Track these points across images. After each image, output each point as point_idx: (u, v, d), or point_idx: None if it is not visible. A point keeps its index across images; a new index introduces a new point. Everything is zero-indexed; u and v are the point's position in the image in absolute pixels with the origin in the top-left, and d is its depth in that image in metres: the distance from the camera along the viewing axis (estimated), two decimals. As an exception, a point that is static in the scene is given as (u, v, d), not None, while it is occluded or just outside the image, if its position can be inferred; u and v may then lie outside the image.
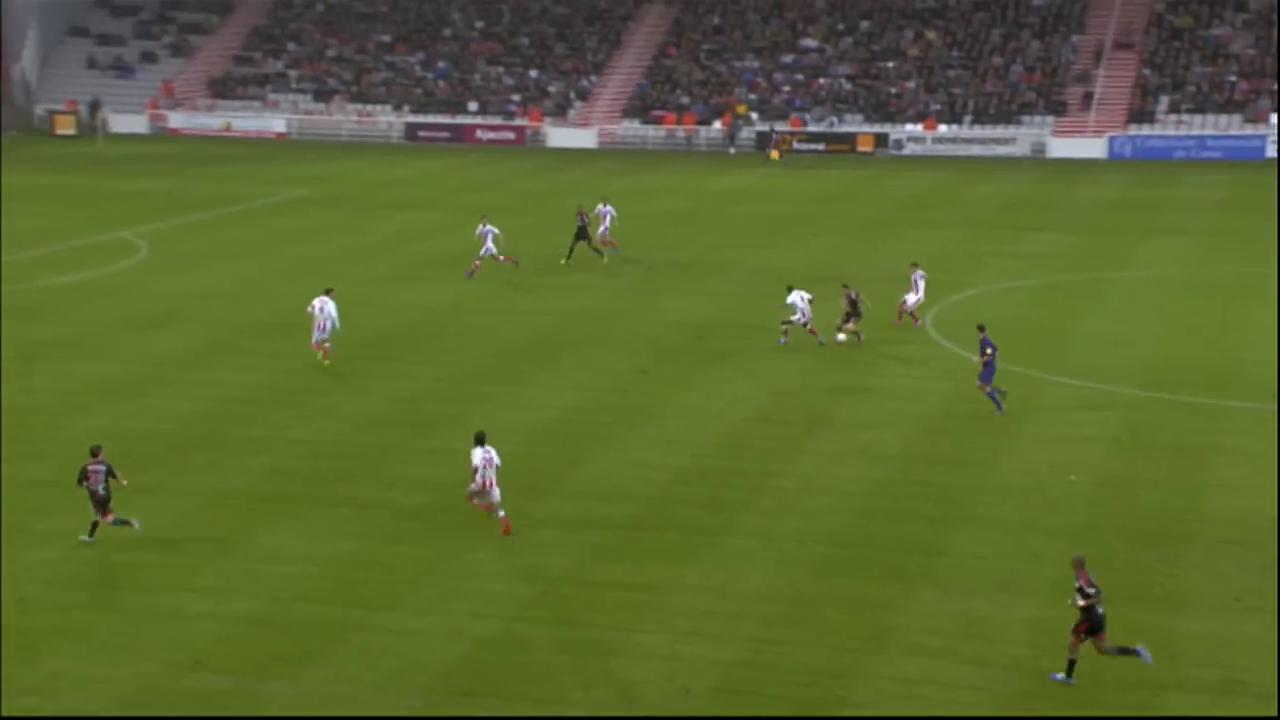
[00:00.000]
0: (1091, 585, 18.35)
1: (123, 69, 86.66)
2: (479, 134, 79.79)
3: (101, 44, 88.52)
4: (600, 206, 45.84)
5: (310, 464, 26.49)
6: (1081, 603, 18.35)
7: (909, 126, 75.54)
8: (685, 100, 80.00)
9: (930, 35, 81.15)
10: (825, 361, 33.26)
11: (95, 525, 22.58)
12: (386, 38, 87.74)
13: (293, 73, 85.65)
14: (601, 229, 45.19)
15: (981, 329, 29.88)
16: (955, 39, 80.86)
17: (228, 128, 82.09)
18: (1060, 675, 18.48)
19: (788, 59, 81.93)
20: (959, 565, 22.03)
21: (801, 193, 61.13)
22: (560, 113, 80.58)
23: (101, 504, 22.48)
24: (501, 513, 23.09)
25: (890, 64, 79.90)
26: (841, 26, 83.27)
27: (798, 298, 34.09)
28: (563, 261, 43.91)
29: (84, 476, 22.61)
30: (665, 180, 65.25)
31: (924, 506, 24.45)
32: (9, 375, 31.98)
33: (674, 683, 18.63)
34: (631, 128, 78.94)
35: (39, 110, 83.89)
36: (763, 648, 19.57)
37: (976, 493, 25.12)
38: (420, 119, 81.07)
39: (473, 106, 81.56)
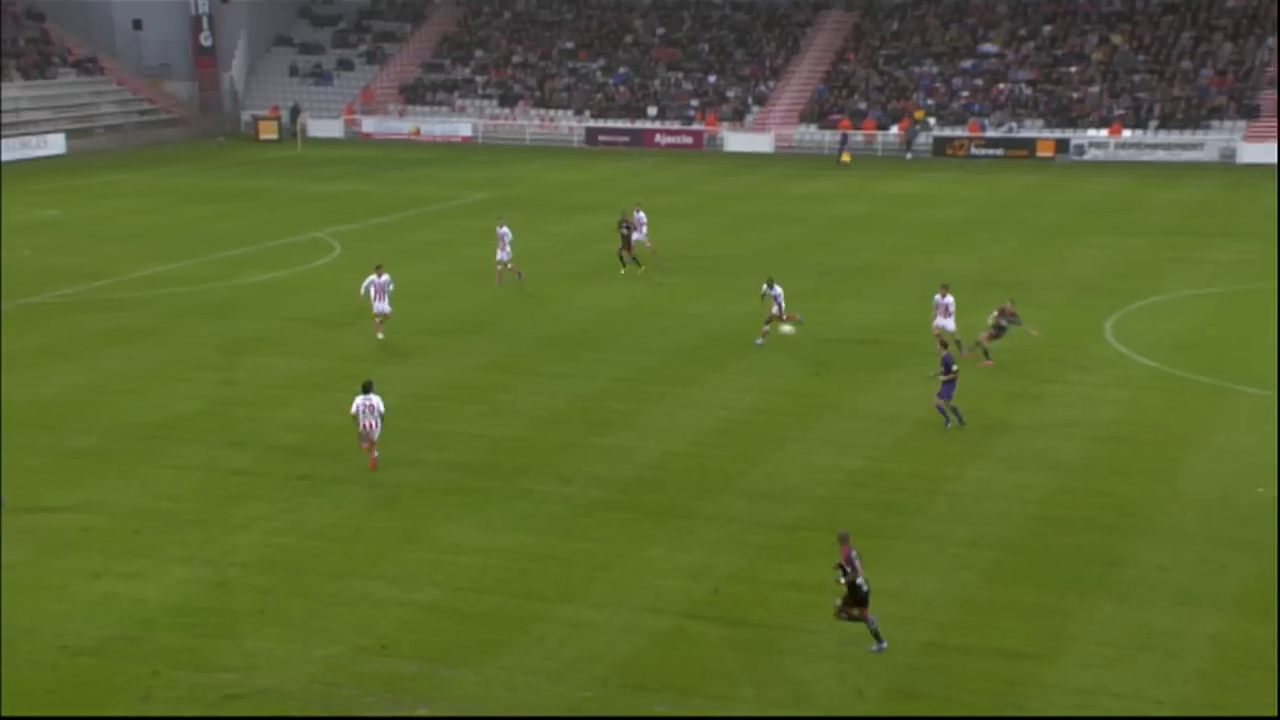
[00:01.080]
0: (850, 563, 18.88)
1: (321, 76, 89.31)
2: (657, 138, 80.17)
3: (303, 52, 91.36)
4: (637, 213, 44.89)
5: (490, 458, 26.93)
6: (843, 580, 18.91)
7: (1091, 132, 73.60)
8: (862, 105, 79.21)
9: (1116, 39, 78.96)
10: (1001, 367, 32.62)
11: None
12: (569, 44, 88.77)
13: (479, 79, 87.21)
14: (638, 235, 44.27)
15: (945, 345, 29.01)
16: (1142, 43, 78.52)
17: (417, 132, 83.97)
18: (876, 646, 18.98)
19: (967, 64, 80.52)
20: (1139, 576, 21.38)
21: (979, 198, 60.05)
22: (738, 117, 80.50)
23: None
24: (376, 452, 25.78)
25: (1073, 69, 77.93)
26: (1023, 31, 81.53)
27: (771, 289, 34.23)
28: (621, 272, 43.34)
29: None
30: (841, 185, 64.71)
31: (1102, 515, 23.79)
32: (213, 367, 33.23)
33: (846, 684, 18.47)
34: (808, 132, 78.46)
35: (245, 116, 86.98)
36: (935, 652, 19.27)
37: (1157, 503, 24.35)
38: (600, 124, 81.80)
39: (652, 111, 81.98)
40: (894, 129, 76.92)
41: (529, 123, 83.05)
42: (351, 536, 23.09)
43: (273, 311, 39.14)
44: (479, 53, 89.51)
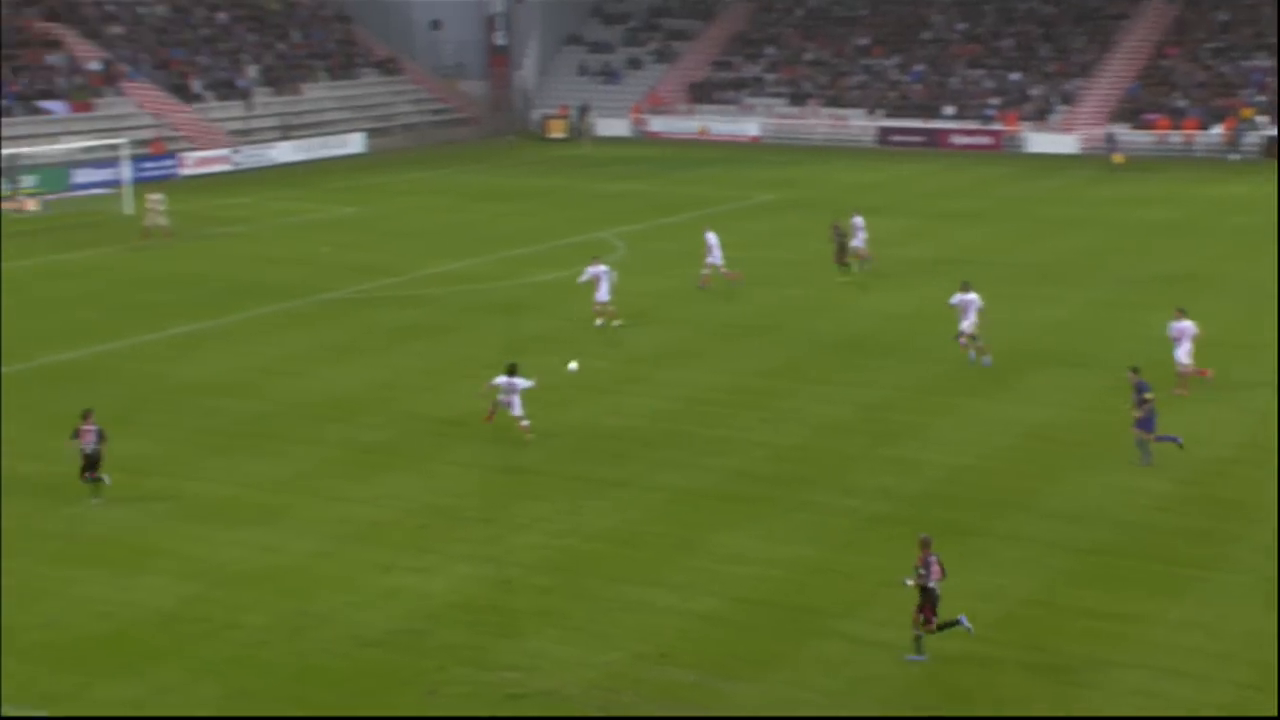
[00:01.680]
0: (926, 566, 18.93)
1: (610, 75, 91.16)
2: (953, 139, 78.67)
3: (593, 51, 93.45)
4: (854, 218, 44.32)
5: (772, 467, 26.91)
6: (910, 582, 19.06)
7: None
8: (1182, 103, 75.83)
9: None
10: (1331, 388, 30.69)
11: (95, 483, 24.72)
12: (864, 41, 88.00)
13: (769, 77, 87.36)
14: (855, 241, 43.81)
15: (1136, 370, 26.98)
16: None
17: (704, 131, 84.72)
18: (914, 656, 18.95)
19: (1303, 56, 76.23)
20: None
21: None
22: (1041, 117, 78.25)
23: (92, 463, 24.67)
24: (525, 422, 27.74)
25: None
26: (1364, 20, 76.66)
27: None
28: (839, 280, 42.82)
29: (76, 434, 24.85)
30: (1155, 188, 62.09)
31: None
32: (498, 366, 34.20)
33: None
34: (1119, 133, 75.61)
35: (534, 115, 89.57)
36: (1252, 695, 18.24)
37: None
38: (893, 123, 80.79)
39: (948, 110, 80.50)
40: (1218, 128, 73.37)
41: (819, 122, 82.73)
42: (631, 540, 23.44)
43: (557, 311, 40.05)
44: (769, 50, 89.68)
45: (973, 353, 33.42)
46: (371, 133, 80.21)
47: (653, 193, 63.03)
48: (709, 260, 42.04)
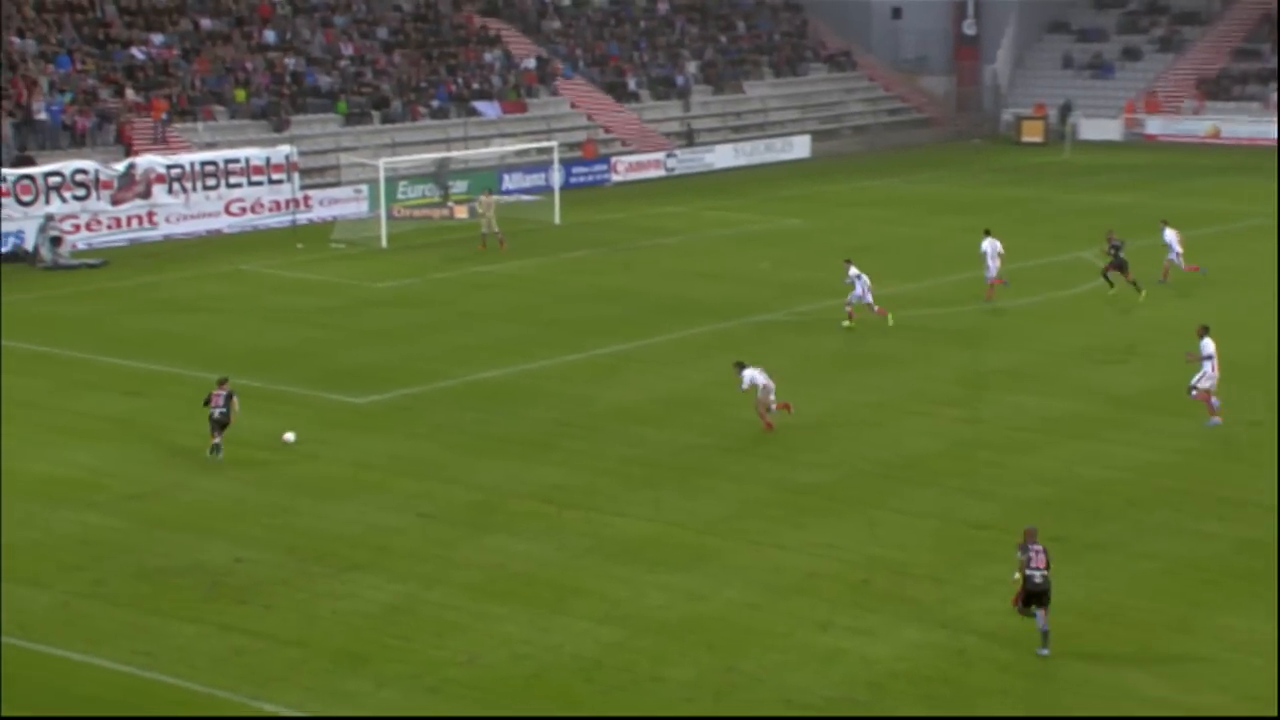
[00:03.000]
0: (1025, 551, 21.40)
1: (1100, 68, 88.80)
2: None
3: (1080, 40, 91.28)
4: (1165, 230, 43.99)
5: (1290, 538, 25.63)
6: (1017, 576, 21.53)
7: None
8: None
9: None
10: None
11: (215, 445, 29.85)
12: None
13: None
14: (1172, 255, 44.05)
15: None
16: None
17: (1215, 133, 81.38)
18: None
19: None
20: None
21: None
22: None
23: (219, 426, 29.90)
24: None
25: None
26: None
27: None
28: (1110, 292, 43.59)
29: (208, 400, 30.16)
30: None
31: None
32: (955, 402, 34.08)
33: None
34: None
35: (1005, 115, 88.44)
36: None
37: None
38: None
39: None
40: None
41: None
42: (1110, 615, 22.83)
43: (1025, 342, 39.48)
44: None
45: None
46: (817, 135, 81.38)
47: (1146, 206, 61.00)
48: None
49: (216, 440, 30.03)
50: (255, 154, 59.01)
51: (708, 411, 33.50)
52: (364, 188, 60.94)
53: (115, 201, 55.12)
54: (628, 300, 45.13)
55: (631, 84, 79.03)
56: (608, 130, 75.09)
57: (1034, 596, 21.35)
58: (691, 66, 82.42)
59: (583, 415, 33.43)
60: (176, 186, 56.62)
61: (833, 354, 38.74)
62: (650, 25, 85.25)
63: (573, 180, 67.59)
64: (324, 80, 68.19)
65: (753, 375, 31.65)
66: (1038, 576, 21.25)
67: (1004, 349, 38.88)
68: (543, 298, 45.95)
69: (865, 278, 40.60)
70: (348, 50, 71.25)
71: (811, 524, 26.73)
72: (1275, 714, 18.49)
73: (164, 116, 60.91)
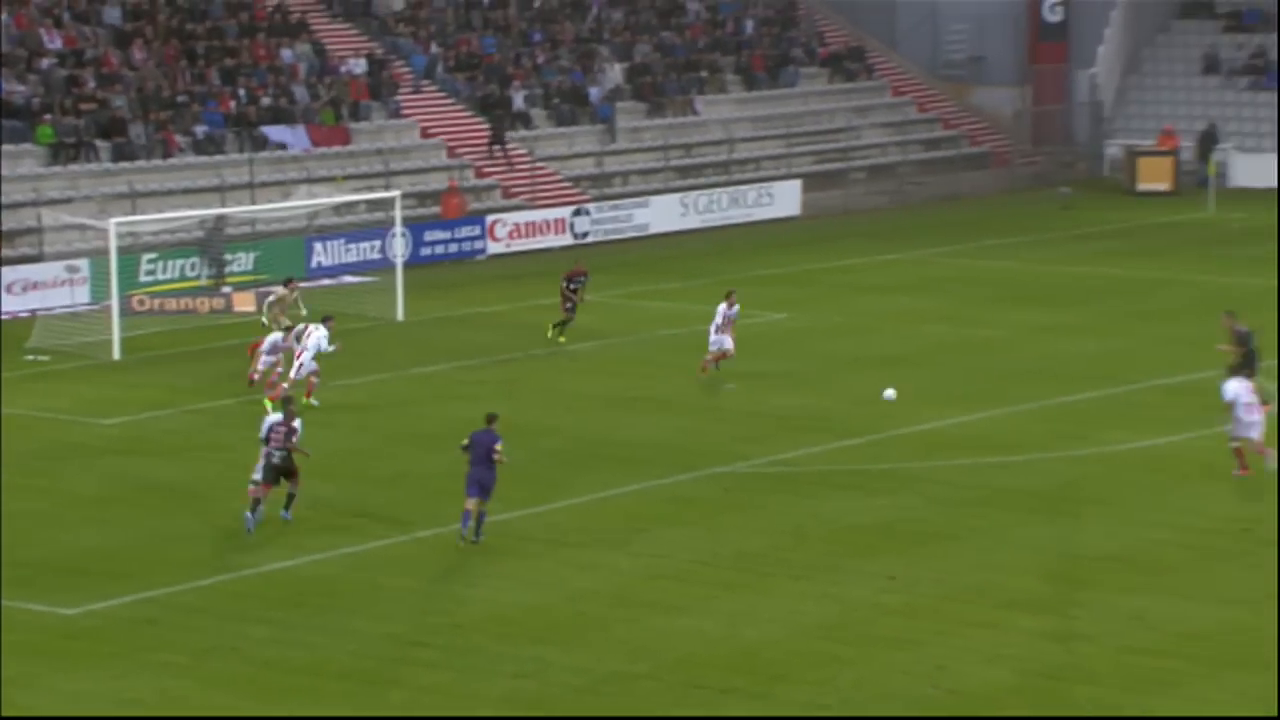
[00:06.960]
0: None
1: (1261, 73, 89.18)
2: None
3: (1230, 29, 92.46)
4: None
5: None
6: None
7: None
8: None
9: None
10: None
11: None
12: None
13: None
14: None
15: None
16: None
17: None
18: None
19: None
20: None
21: None
22: None
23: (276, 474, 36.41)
24: None
25: None
26: None
27: None
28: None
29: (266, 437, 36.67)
30: None
31: None
32: (1032, 606, 33.81)
33: None
34: None
35: (1111, 149, 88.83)
36: None
37: None
38: None
39: None
40: None
41: None
42: None
43: (1141, 511, 39.56)
44: None
45: None
46: (812, 180, 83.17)
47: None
48: None
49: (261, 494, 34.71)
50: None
51: (632, 626, 32.76)
52: (83, 264, 60.65)
53: None
54: (512, 443, 44.41)
55: (519, 99, 79.09)
56: (481, 173, 75.13)
57: None
58: (615, 72, 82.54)
59: (443, 626, 32.99)
60: None
61: (838, 526, 38.40)
62: (548, 7, 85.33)
63: (425, 252, 68.32)
64: (16, 90, 67.06)
65: None
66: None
67: (1112, 520, 38.78)
68: (373, 439, 45.57)
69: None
70: (54, 42, 70.48)
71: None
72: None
73: None
